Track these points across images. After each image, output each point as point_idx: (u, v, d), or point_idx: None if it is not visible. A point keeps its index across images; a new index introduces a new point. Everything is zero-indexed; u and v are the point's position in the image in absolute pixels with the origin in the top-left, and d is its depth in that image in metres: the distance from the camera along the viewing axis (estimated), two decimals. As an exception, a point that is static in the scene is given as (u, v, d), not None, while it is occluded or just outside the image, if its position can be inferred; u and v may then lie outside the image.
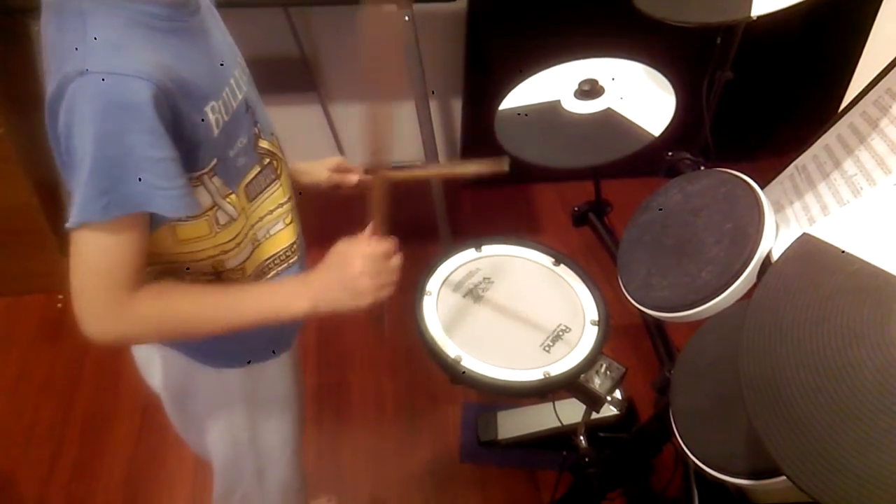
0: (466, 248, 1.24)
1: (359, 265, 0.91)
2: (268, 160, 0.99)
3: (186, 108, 0.80)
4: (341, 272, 0.92)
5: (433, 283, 1.17)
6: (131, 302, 0.83)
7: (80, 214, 0.75)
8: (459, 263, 1.22)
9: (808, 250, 0.70)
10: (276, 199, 1.02)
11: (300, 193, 1.14)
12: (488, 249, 1.25)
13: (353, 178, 1.20)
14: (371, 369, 2.12)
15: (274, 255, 1.04)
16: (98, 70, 0.71)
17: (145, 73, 0.73)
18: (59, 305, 2.24)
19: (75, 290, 0.81)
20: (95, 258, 0.80)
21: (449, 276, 1.19)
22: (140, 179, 0.75)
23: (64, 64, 0.73)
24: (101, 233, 0.78)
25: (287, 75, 2.42)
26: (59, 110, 0.73)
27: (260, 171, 0.97)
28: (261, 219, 1.00)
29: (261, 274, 1.02)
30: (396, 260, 0.95)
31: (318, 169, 1.20)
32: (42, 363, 2.11)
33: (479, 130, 2.46)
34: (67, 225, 0.77)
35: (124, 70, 0.72)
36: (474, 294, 1.16)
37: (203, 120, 0.83)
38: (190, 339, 1.02)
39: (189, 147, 0.82)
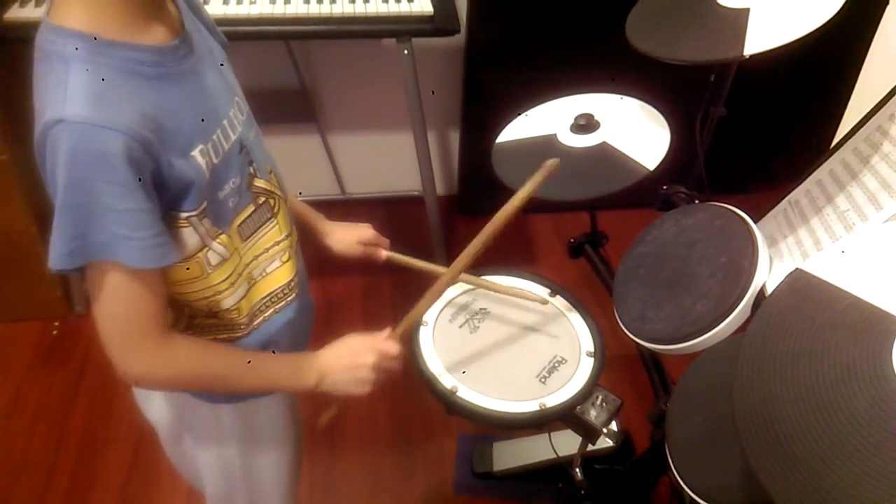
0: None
1: (371, 359, 1.01)
2: (263, 199, 0.98)
3: (169, 156, 0.80)
4: (353, 360, 1.01)
5: (430, 313, 1.18)
6: (165, 345, 0.87)
7: (50, 259, 0.77)
8: (456, 294, 1.22)
9: (801, 286, 0.71)
10: (273, 238, 1.01)
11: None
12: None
13: (382, 255, 1.26)
14: (366, 399, 2.10)
15: (270, 293, 1.03)
16: (73, 119, 0.72)
17: (121, 126, 0.73)
18: (55, 332, 2.23)
19: (100, 328, 0.84)
20: (116, 301, 0.82)
21: (445, 306, 1.20)
22: (105, 229, 0.76)
23: (45, 110, 0.74)
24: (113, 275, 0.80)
25: (287, 106, 2.44)
26: (43, 155, 0.75)
27: (254, 211, 0.97)
28: (256, 257, 0.99)
29: (257, 313, 1.02)
30: (400, 364, 1.04)
31: (350, 240, 1.23)
32: (37, 390, 2.10)
33: (477, 162, 2.48)
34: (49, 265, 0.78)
35: (99, 121, 0.73)
36: (470, 325, 1.17)
37: (189, 165, 0.83)
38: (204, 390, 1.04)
39: (175, 191, 0.82)
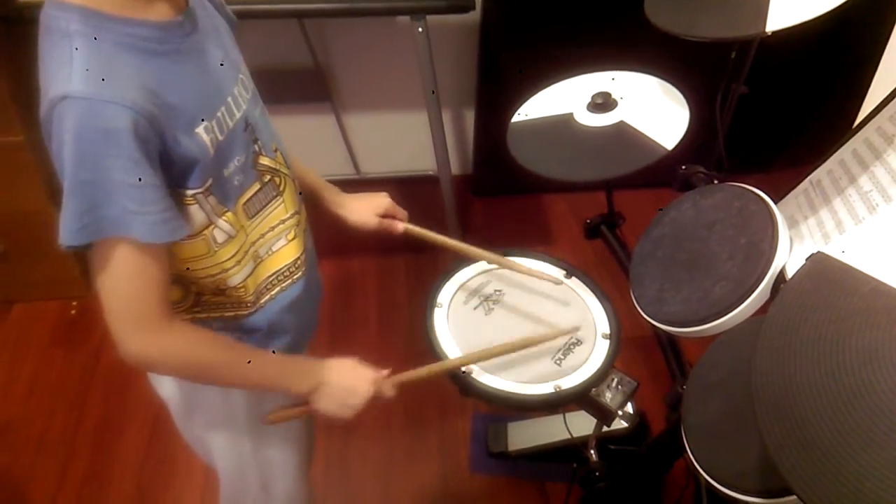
0: (478, 260, 1.24)
1: (366, 390, 1.02)
2: (269, 177, 0.98)
3: (174, 132, 0.80)
4: (353, 385, 1.02)
5: (444, 294, 1.18)
6: (166, 326, 0.86)
7: (60, 235, 0.77)
8: (471, 275, 1.22)
9: (822, 269, 0.70)
10: (278, 216, 1.01)
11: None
12: (500, 261, 1.25)
13: (399, 228, 1.24)
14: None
15: (276, 271, 1.03)
16: (80, 95, 0.72)
17: (127, 100, 0.73)
18: (73, 312, 2.25)
19: (105, 304, 0.83)
20: (124, 278, 0.81)
21: (460, 287, 1.19)
22: (116, 204, 0.75)
23: (51, 87, 0.74)
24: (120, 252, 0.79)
25: (301, 85, 2.43)
26: (49, 132, 0.75)
27: (260, 189, 0.97)
28: (262, 235, 0.99)
29: (263, 291, 1.02)
30: (384, 402, 1.05)
31: (368, 212, 1.21)
32: (55, 369, 2.13)
33: (492, 141, 2.46)
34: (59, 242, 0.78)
35: (105, 96, 0.73)
36: (485, 306, 1.16)
37: (194, 141, 0.83)
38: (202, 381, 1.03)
39: (181, 168, 0.82)
